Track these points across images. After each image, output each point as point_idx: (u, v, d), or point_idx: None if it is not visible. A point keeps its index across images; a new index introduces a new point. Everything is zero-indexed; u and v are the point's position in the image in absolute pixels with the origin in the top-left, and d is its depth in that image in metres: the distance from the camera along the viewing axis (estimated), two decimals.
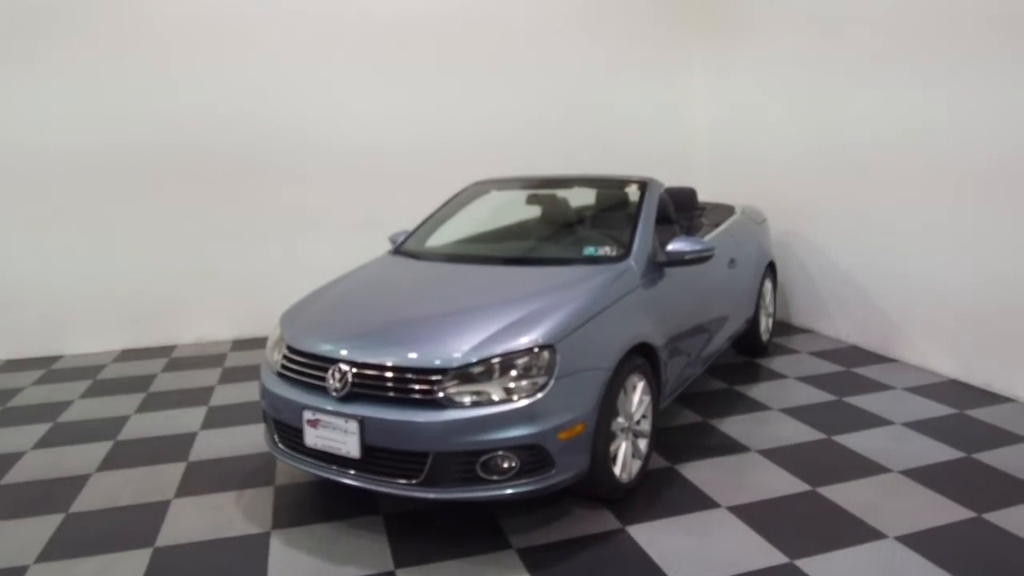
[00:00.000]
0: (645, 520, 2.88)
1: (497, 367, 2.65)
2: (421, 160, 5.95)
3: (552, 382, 2.65)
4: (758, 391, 4.31)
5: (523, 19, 6.15)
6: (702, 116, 6.67)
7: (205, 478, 3.39)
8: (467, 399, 2.61)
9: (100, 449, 3.74)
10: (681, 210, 4.71)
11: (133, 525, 2.97)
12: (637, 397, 3.10)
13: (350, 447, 2.69)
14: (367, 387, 2.72)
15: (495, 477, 2.61)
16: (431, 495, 2.64)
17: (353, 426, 2.67)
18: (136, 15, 5.29)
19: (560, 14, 6.24)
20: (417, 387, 2.65)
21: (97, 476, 3.44)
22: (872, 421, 3.79)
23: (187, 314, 5.75)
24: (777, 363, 4.84)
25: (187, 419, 4.13)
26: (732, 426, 3.79)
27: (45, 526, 2.97)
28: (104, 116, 5.31)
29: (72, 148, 5.28)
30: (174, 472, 3.46)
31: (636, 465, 3.12)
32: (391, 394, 2.68)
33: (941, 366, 4.45)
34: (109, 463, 3.58)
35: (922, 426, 3.70)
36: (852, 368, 4.65)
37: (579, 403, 2.72)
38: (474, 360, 2.64)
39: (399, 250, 3.96)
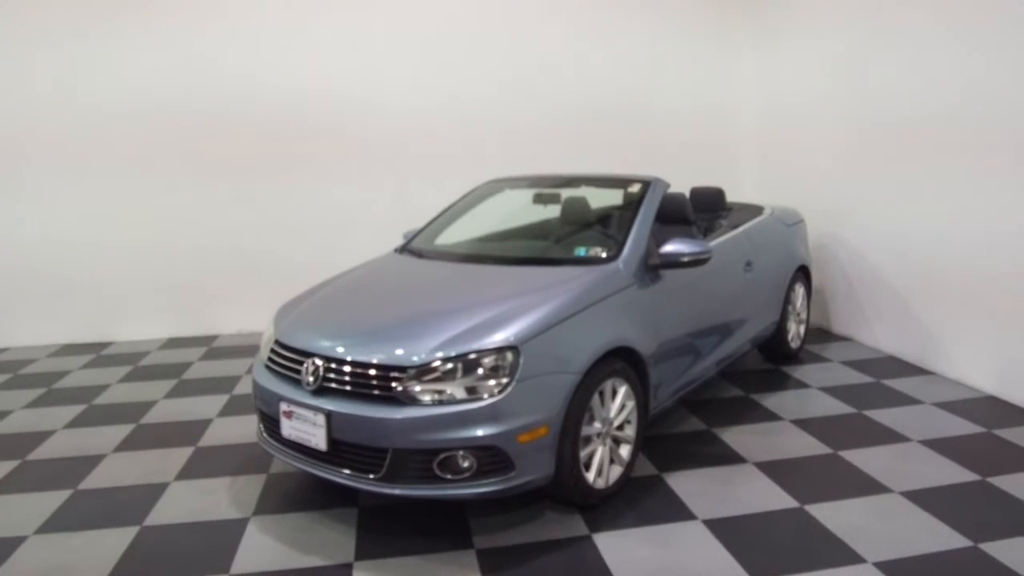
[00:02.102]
0: (614, 528, 2.81)
1: (459, 367, 2.65)
2: (457, 153, 6.02)
3: (514, 383, 2.63)
4: (774, 400, 4.12)
5: (561, 4, 6.13)
6: (748, 112, 6.43)
7: (207, 463, 3.54)
8: (427, 397, 2.63)
9: (122, 431, 3.97)
10: (708, 210, 4.59)
11: (130, 504, 3.14)
12: (618, 402, 3.04)
13: (318, 440, 2.76)
14: (337, 382, 2.78)
15: (450, 476, 2.62)
16: (395, 491, 2.67)
17: (321, 419, 2.73)
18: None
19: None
20: (380, 384, 2.69)
21: (112, 456, 3.65)
22: (887, 437, 3.57)
23: (230, 305, 6.01)
24: (804, 372, 4.61)
25: (207, 406, 4.33)
26: (735, 436, 3.65)
27: (53, 500, 3.19)
28: (147, 112, 5.62)
29: (120, 144, 5.63)
30: (181, 456, 3.63)
31: (616, 472, 3.05)
32: (357, 389, 2.73)
33: (979, 381, 4.14)
34: (126, 445, 3.79)
35: (941, 444, 3.45)
36: (882, 380, 4.38)
37: (543, 406, 2.68)
38: (435, 359, 2.65)
39: (405, 248, 4.02)
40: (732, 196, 5.52)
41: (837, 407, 3.99)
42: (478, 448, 2.60)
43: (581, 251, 3.43)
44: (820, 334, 5.44)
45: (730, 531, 2.76)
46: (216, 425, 4.04)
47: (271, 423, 3.03)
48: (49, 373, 5.04)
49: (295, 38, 5.74)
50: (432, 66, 5.97)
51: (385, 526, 2.90)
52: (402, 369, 2.67)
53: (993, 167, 3.93)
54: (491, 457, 2.62)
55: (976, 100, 4.02)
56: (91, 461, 3.60)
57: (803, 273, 4.87)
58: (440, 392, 2.63)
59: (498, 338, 2.69)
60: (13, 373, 5.06)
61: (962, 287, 4.22)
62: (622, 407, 3.06)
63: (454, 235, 4.12)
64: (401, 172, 6.05)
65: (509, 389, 2.62)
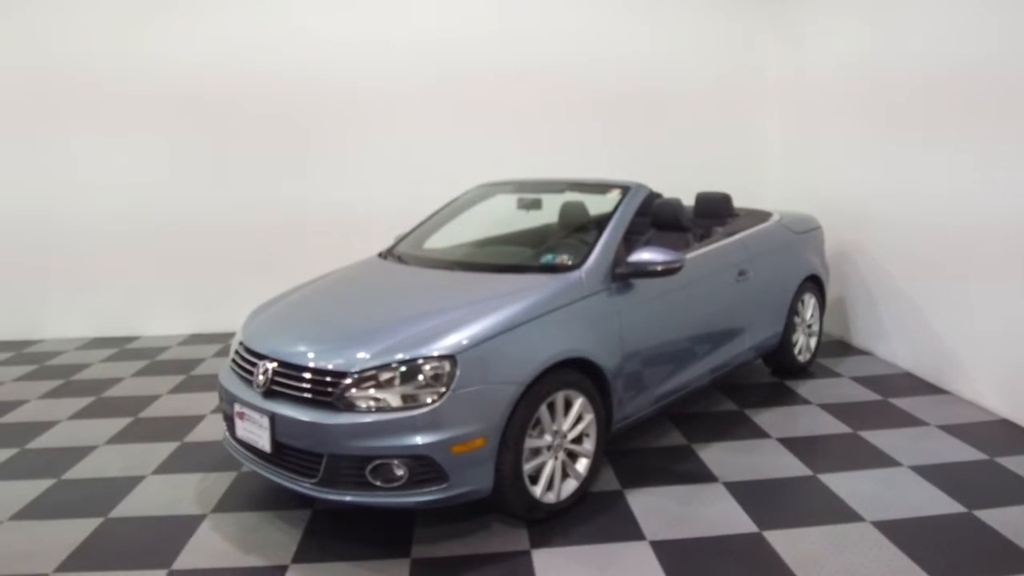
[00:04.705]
0: (558, 545, 2.74)
1: (396, 375, 2.63)
2: (472, 152, 6.00)
3: (449, 393, 2.59)
4: (767, 417, 3.93)
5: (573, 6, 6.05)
6: (774, 116, 6.18)
7: (186, 459, 3.64)
8: (364, 404, 2.62)
9: (119, 424, 4.13)
10: (713, 216, 4.41)
11: (103, 495, 3.25)
12: (573, 414, 2.96)
13: (264, 442, 2.79)
14: (284, 386, 2.80)
15: (381, 483, 2.60)
16: (332, 496, 2.67)
17: (266, 421, 2.77)
18: None
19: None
20: (321, 389, 2.70)
21: (102, 448, 3.80)
22: (876, 461, 3.35)
23: (252, 302, 6.15)
24: (809, 387, 4.39)
25: (205, 402, 4.45)
26: (713, 453, 3.49)
27: (34, 489, 3.33)
28: (175, 114, 5.84)
29: (151, 145, 5.89)
30: (165, 450, 3.74)
31: (571, 486, 2.97)
32: (301, 394, 2.75)
33: (994, 403, 3.83)
34: (119, 438, 3.94)
35: (933, 471, 3.21)
36: (890, 398, 4.12)
37: (480, 417, 2.63)
38: (373, 366, 2.64)
39: (389, 252, 4.02)
40: (757, 202, 5.30)
41: (833, 426, 3.77)
42: (411, 457, 2.58)
43: (548, 259, 3.35)
44: (838, 347, 5.17)
45: (675, 555, 2.64)
46: (207, 421, 4.15)
47: (229, 423, 3.09)
48: (71, 365, 5.30)
49: (310, 40, 5.86)
50: (451, 63, 5.96)
51: (331, 530, 2.91)
52: (342, 375, 2.67)
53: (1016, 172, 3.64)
54: (424, 467, 2.59)
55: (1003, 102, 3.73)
56: (82, 452, 3.75)
57: (814, 283, 4.62)
58: (376, 400, 2.62)
59: (435, 347, 2.65)
60: (40, 364, 5.34)
61: (981, 303, 3.92)
62: (578, 419, 2.98)
63: (441, 240, 4.10)
64: (420, 171, 6.06)
65: (444, 399, 2.59)
